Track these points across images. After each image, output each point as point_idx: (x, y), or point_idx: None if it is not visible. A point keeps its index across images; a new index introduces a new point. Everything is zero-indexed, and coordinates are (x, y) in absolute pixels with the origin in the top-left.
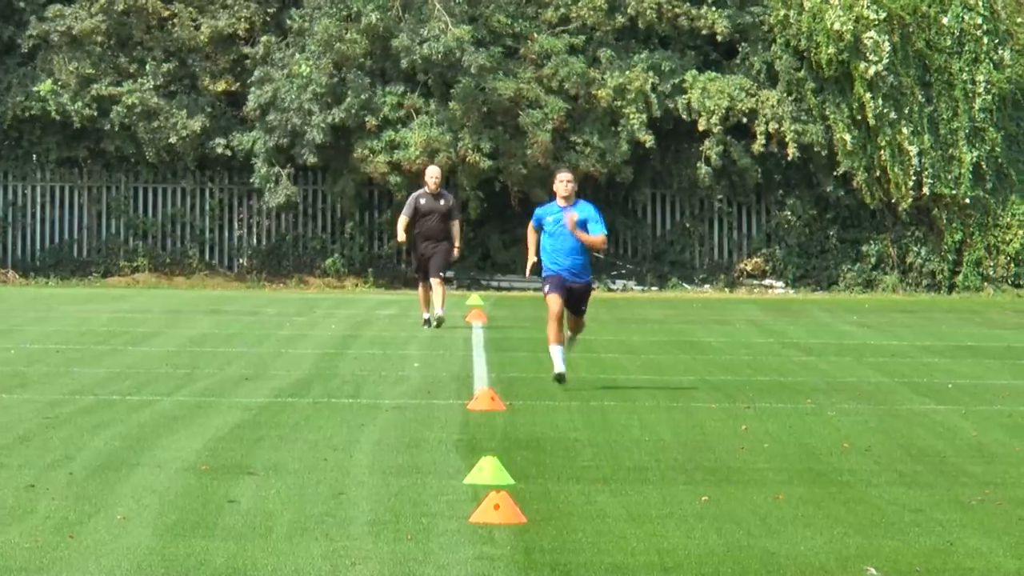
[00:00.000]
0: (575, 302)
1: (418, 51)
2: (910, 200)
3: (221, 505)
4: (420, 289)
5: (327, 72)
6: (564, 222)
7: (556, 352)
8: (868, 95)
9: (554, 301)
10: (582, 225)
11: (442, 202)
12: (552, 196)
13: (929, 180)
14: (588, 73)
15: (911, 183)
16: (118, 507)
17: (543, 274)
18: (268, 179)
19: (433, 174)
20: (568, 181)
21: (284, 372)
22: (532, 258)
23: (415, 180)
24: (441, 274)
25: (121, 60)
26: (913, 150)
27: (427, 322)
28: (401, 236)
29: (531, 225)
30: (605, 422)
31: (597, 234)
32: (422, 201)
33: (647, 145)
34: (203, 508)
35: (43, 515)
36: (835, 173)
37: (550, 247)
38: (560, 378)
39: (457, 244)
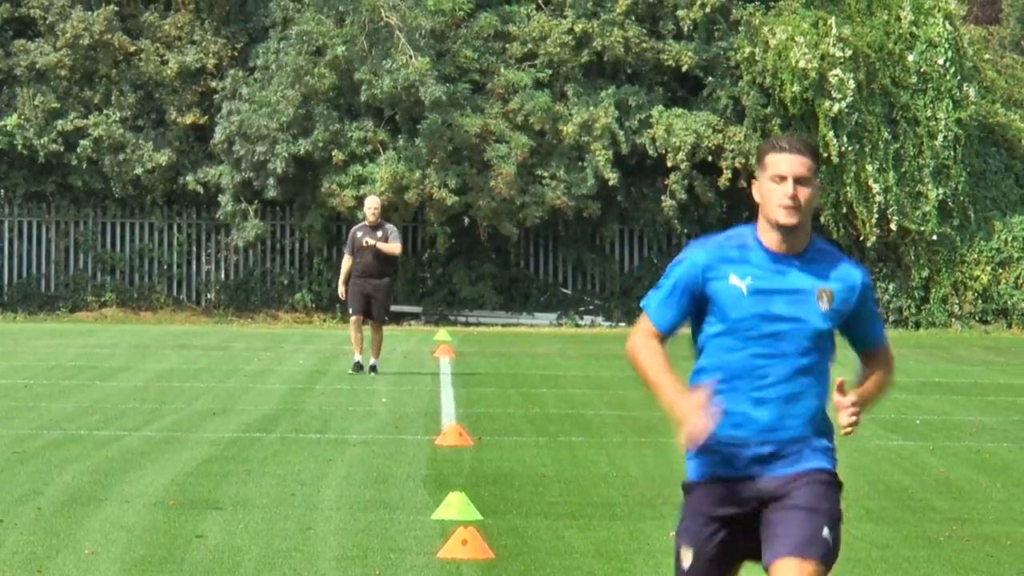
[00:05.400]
0: (794, 524)
1: (382, 83)
2: (874, 237)
3: (189, 540)
4: (351, 327)
5: (294, 103)
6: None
7: None
8: (831, 133)
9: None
10: (840, 320)
11: (379, 234)
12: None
13: (895, 217)
14: (554, 108)
15: (875, 220)
16: (86, 542)
17: (689, 452)
18: (235, 215)
19: (371, 205)
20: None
21: (252, 407)
22: (703, 429)
23: (384, 216)
24: (385, 319)
25: (87, 94)
26: (877, 187)
27: (358, 366)
28: (340, 290)
29: (646, 324)
30: (573, 458)
31: (878, 348)
32: (359, 234)
33: (611, 183)
34: (171, 543)
35: (11, 550)
36: None
37: (719, 361)
38: None
39: (393, 249)
